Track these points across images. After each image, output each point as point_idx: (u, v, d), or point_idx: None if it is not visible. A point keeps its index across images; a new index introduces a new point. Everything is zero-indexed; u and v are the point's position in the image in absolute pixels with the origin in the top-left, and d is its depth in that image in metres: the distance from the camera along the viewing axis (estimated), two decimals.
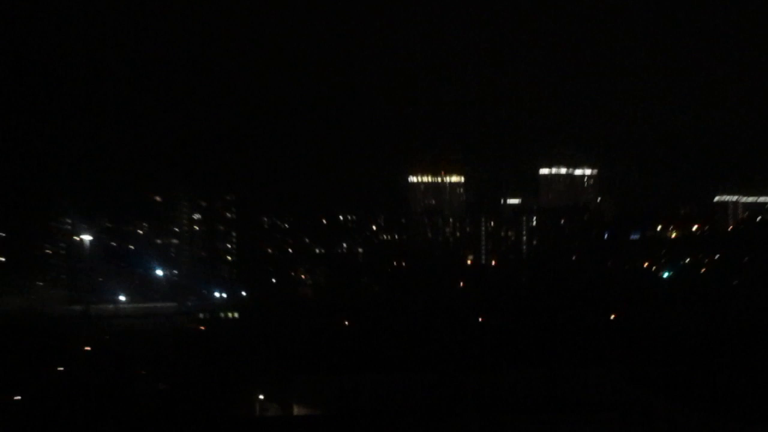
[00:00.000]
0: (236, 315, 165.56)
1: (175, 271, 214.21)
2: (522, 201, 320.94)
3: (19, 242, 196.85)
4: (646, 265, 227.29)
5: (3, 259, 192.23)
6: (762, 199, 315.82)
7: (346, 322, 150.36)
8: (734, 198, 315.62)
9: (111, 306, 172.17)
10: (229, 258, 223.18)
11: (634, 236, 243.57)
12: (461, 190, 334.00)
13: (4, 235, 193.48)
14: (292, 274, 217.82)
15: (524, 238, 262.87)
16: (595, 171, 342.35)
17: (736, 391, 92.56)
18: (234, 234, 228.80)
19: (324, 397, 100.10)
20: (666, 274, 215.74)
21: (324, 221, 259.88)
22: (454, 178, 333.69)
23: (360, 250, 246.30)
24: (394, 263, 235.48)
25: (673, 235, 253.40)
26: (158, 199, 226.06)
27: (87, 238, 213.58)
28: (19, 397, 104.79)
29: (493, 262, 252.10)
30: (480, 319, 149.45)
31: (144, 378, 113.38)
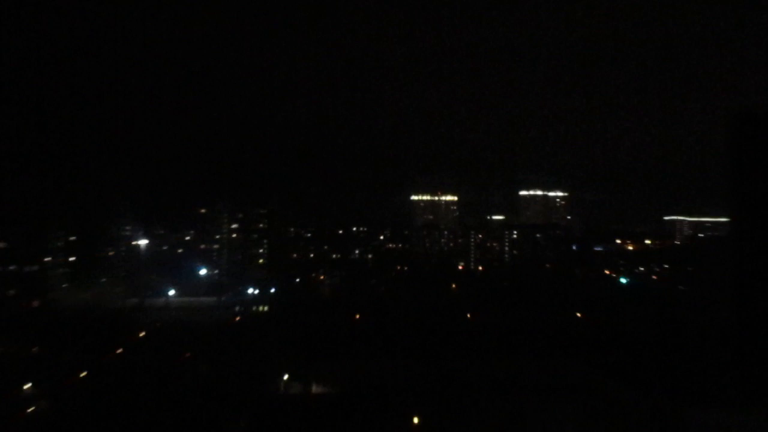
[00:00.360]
0: (266, 309, 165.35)
1: (216, 271, 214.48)
2: (505, 217, 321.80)
3: (87, 245, 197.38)
4: (607, 272, 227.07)
5: (74, 259, 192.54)
6: (704, 219, 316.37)
7: (357, 316, 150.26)
8: (680, 218, 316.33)
9: (162, 299, 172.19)
10: (261, 261, 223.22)
11: (598, 248, 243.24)
12: (454, 207, 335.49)
13: (75, 238, 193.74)
14: (313, 275, 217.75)
15: (506, 248, 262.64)
16: (566, 194, 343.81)
17: (679, 377, 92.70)
18: (265, 241, 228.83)
19: (338, 378, 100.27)
20: (624, 280, 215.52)
21: (340, 232, 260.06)
22: (449, 198, 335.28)
23: (369, 256, 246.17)
24: (398, 268, 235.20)
25: (630, 248, 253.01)
26: (203, 211, 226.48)
27: (143, 242, 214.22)
28: (85, 373, 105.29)
29: (480, 268, 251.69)
30: (468, 316, 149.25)
31: (188, 360, 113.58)
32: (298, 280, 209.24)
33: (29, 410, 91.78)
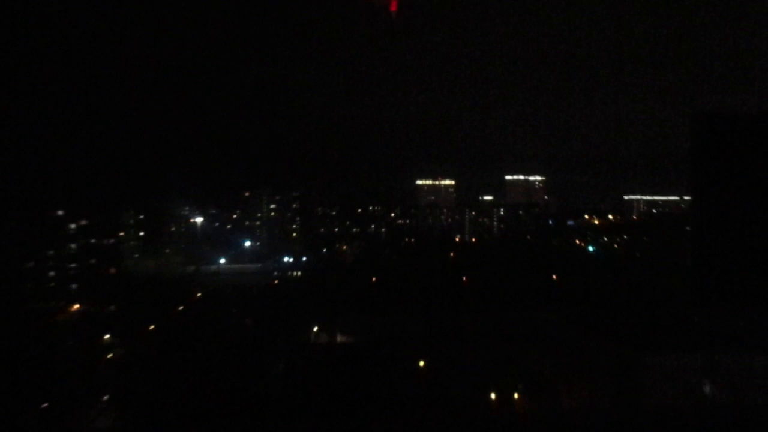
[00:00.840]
0: (299, 273, 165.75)
1: (258, 244, 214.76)
2: (493, 198, 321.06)
3: (153, 223, 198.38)
4: (577, 242, 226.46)
5: (142, 234, 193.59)
6: (657, 197, 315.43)
7: (374, 279, 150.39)
8: (638, 197, 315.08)
9: (214, 267, 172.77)
10: (294, 235, 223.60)
11: (570, 223, 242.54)
12: (452, 190, 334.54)
13: (143, 217, 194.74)
14: (337, 246, 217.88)
15: (495, 223, 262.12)
16: (544, 178, 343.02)
17: (635, 327, 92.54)
18: (298, 218, 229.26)
19: (358, 329, 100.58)
20: (591, 249, 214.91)
21: (359, 211, 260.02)
22: (447, 182, 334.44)
23: (383, 230, 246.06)
24: (406, 239, 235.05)
25: (596, 222, 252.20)
26: (247, 194, 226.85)
27: (199, 220, 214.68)
28: (153, 327, 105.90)
29: (473, 240, 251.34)
30: (464, 278, 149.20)
31: (236, 315, 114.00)
32: (324, 250, 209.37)
33: (109, 356, 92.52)
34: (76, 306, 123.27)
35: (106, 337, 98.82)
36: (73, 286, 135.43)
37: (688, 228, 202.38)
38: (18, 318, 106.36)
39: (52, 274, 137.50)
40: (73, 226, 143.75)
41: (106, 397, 76.62)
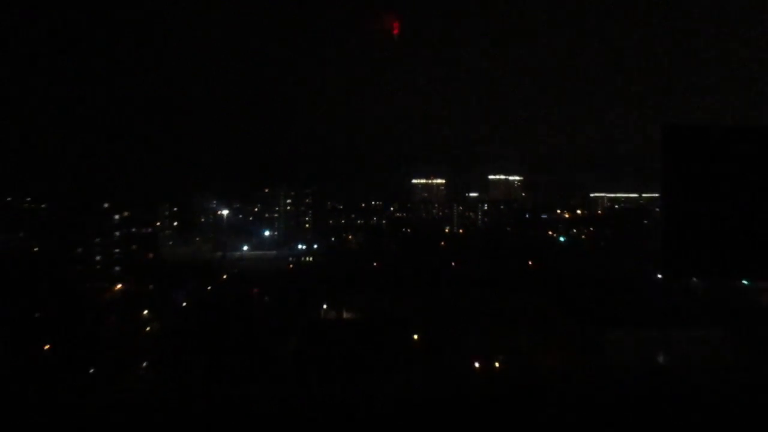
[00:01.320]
0: (310, 259, 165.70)
1: (275, 233, 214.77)
2: (478, 194, 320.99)
3: (186, 214, 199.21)
4: (550, 233, 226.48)
5: (176, 224, 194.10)
6: (619, 194, 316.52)
7: (375, 264, 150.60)
8: (602, 194, 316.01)
9: (238, 253, 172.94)
10: (307, 226, 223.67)
11: (544, 216, 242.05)
12: (443, 187, 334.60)
13: (176, 209, 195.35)
14: (344, 236, 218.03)
15: (479, 217, 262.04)
16: (521, 177, 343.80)
17: (600, 305, 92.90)
18: (310, 212, 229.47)
19: (361, 307, 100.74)
20: (562, 239, 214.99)
21: (363, 205, 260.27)
22: (439, 180, 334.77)
23: (383, 222, 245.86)
24: (404, 230, 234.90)
25: (566, 216, 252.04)
26: (266, 191, 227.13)
27: (225, 212, 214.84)
28: (185, 304, 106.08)
29: (461, 231, 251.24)
30: (453, 264, 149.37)
31: (256, 294, 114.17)
32: (333, 239, 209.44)
33: (147, 329, 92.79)
34: (119, 286, 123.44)
35: (145, 312, 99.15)
36: (117, 268, 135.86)
37: (645, 221, 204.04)
38: (70, 296, 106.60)
39: (98, 258, 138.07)
40: (116, 217, 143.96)
41: (144, 364, 77.12)
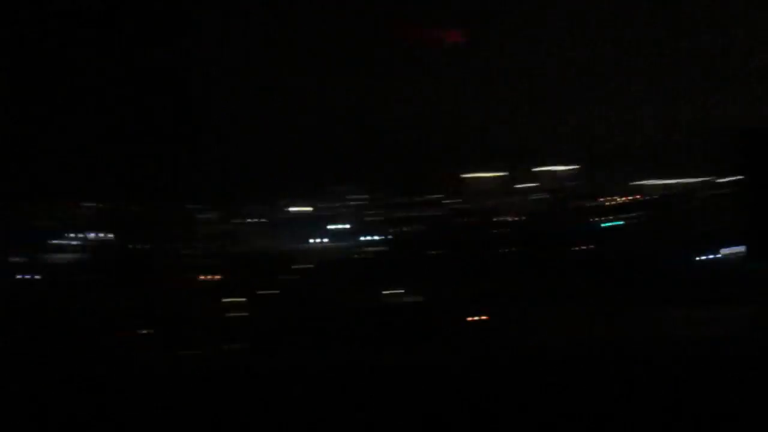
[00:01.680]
0: (376, 248, 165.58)
1: (346, 226, 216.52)
2: (529, 185, 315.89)
3: (271, 212, 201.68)
4: (594, 219, 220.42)
5: (264, 220, 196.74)
6: (661, 181, 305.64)
7: (433, 252, 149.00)
8: (643, 182, 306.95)
9: (310, 244, 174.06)
10: (372, 219, 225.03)
11: (591, 203, 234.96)
12: (497, 180, 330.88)
13: (265, 206, 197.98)
14: (405, 228, 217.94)
15: (530, 205, 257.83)
16: (568, 167, 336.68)
17: (637, 284, 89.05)
18: (376, 206, 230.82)
19: (420, 291, 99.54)
20: (608, 225, 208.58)
21: (424, 197, 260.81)
22: (493, 174, 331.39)
23: (441, 213, 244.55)
24: (461, 219, 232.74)
25: (606, 204, 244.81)
26: (340, 187, 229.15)
27: (307, 209, 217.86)
28: (262, 291, 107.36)
29: (515, 219, 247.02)
30: (507, 250, 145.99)
31: (327, 279, 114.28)
32: (395, 230, 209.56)
33: (227, 315, 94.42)
34: (216, 276, 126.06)
35: (225, 300, 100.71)
36: (209, 261, 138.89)
37: (686, 205, 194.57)
38: (165, 286, 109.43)
39: (192, 252, 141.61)
40: (202, 216, 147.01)
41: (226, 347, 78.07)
